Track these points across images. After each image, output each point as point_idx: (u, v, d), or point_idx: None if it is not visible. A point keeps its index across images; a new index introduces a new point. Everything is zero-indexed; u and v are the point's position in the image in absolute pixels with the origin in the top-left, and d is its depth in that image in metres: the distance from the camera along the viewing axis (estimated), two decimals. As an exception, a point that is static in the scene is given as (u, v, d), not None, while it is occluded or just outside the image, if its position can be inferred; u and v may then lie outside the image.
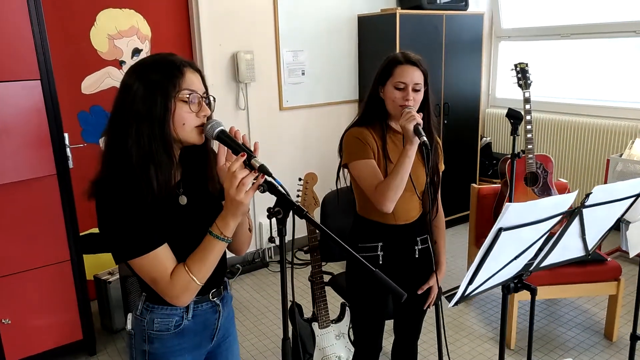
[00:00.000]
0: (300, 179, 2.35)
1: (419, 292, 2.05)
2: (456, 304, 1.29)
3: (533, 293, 1.50)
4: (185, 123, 1.25)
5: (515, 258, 1.33)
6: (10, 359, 2.66)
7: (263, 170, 1.20)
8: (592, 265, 2.85)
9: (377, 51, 4.21)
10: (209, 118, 1.31)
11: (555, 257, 1.48)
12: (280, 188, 1.22)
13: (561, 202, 1.28)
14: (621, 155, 3.72)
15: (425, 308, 2.09)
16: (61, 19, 3.15)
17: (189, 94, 1.24)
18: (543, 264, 1.48)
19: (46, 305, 2.73)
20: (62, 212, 2.70)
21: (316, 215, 2.50)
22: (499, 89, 5.25)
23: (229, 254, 1.52)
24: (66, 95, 3.18)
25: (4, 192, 2.53)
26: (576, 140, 4.46)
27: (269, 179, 1.22)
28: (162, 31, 3.53)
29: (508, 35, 5.05)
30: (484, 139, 5.05)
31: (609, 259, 2.94)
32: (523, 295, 2.72)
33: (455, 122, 4.50)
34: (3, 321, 2.60)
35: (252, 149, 1.27)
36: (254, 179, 1.20)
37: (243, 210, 1.24)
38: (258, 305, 3.54)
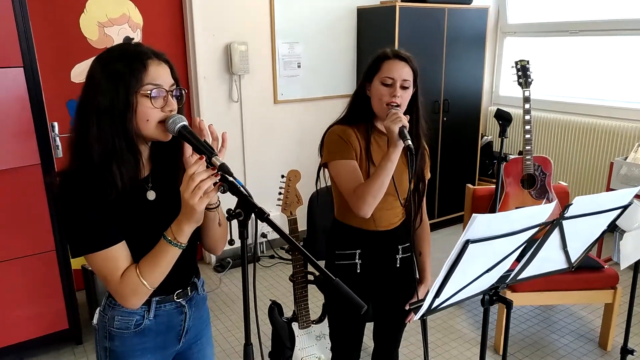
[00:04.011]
0: (282, 176, 2.28)
1: (406, 307, 1.92)
2: (422, 317, 1.22)
3: (509, 306, 1.42)
4: (149, 119, 1.20)
5: (488, 270, 1.26)
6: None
7: (223, 169, 1.13)
8: (589, 272, 2.76)
9: (376, 45, 4.06)
10: (178, 112, 1.24)
11: (534, 269, 1.41)
12: (241, 189, 1.16)
13: (537, 214, 1.20)
14: (626, 159, 3.60)
15: (407, 322, 1.97)
16: (49, 6, 3.08)
17: (152, 89, 1.19)
18: (521, 276, 1.41)
19: (31, 295, 2.72)
20: (46, 202, 2.67)
21: (301, 214, 2.43)
22: (503, 87, 5.13)
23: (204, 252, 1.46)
24: (55, 84, 3.13)
25: (-14, 180, 2.50)
26: (579, 142, 4.34)
27: (230, 178, 1.15)
28: (154, 20, 3.46)
29: (514, 30, 4.92)
30: (485, 137, 4.94)
31: (606, 266, 2.83)
32: (517, 301, 2.63)
33: (455, 119, 4.39)
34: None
35: (220, 139, 1.21)
36: (215, 182, 1.14)
37: (197, 217, 1.18)
38: (246, 300, 3.49)
